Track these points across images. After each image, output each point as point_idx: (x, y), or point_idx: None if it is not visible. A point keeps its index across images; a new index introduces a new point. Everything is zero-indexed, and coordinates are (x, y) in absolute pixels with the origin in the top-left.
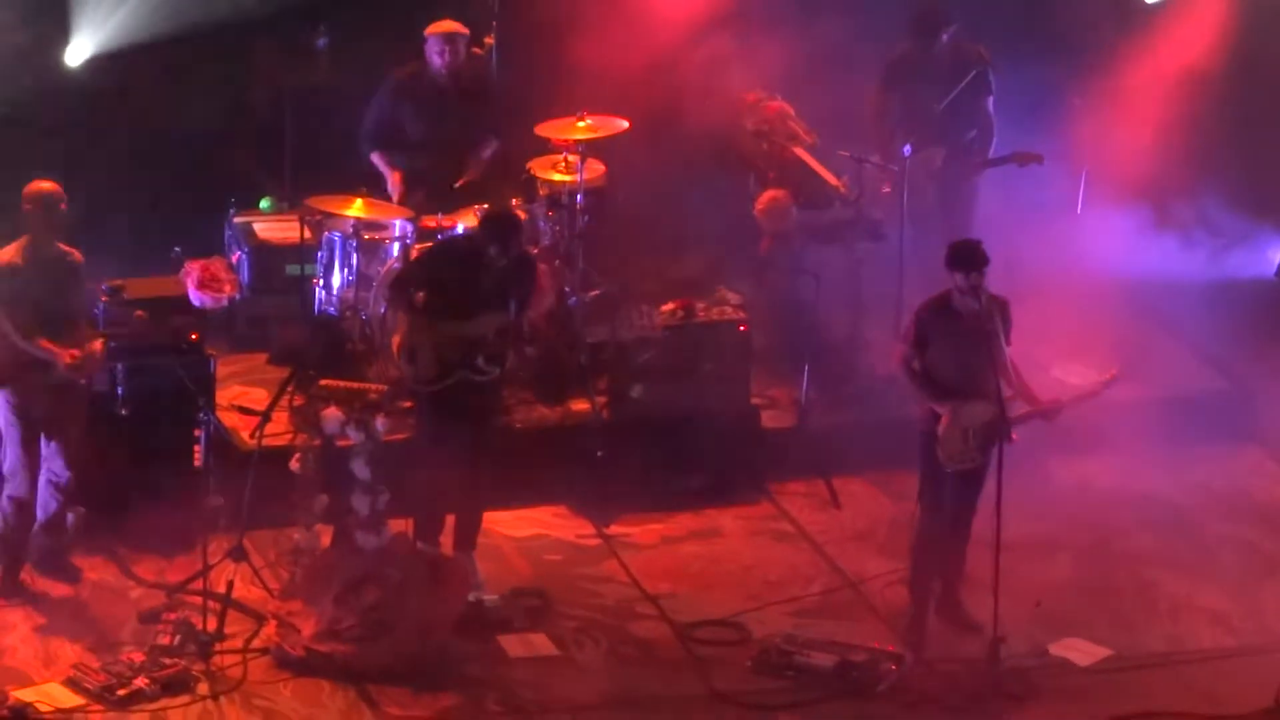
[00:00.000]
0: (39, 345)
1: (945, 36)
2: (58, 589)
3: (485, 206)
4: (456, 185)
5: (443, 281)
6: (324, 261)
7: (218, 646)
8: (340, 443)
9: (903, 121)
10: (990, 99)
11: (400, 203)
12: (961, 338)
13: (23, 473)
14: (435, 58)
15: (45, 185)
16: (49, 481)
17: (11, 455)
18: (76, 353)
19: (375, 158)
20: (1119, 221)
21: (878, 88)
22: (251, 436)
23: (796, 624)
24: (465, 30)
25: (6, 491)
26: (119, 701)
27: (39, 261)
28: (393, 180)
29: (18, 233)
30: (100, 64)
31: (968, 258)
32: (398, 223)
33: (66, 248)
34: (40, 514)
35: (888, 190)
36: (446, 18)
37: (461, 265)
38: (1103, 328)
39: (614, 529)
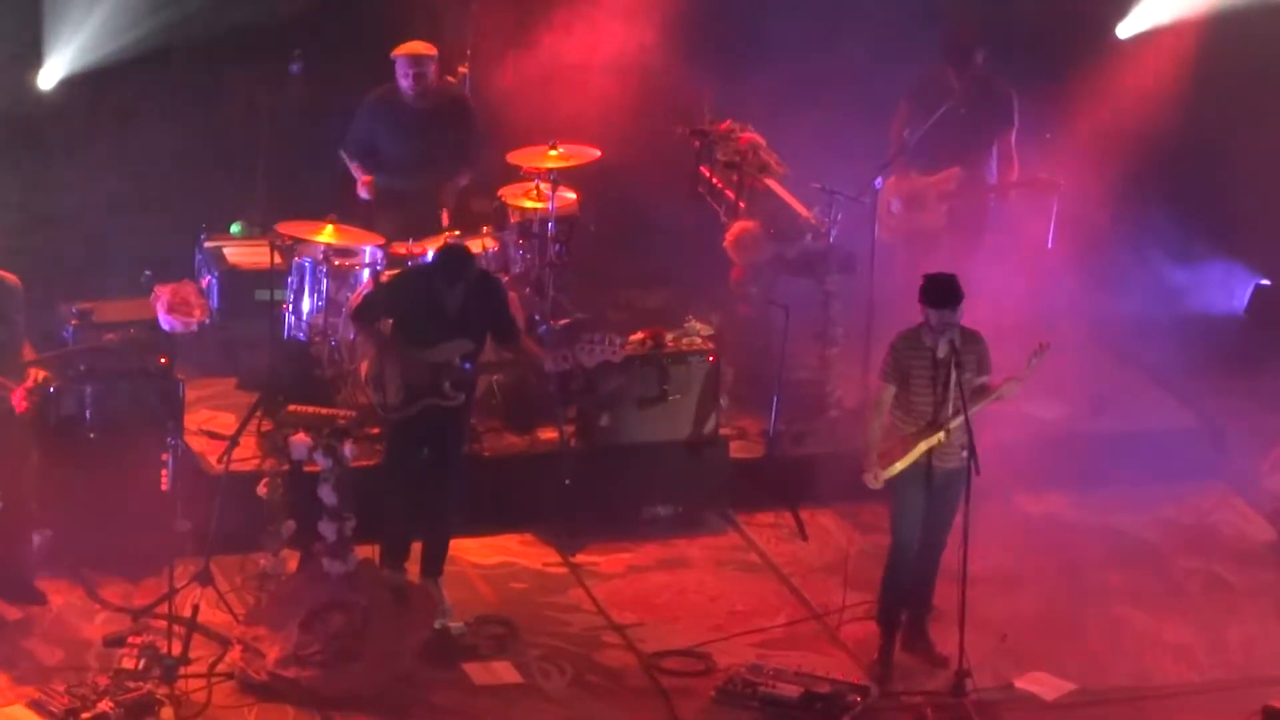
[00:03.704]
0: None
1: (978, 59)
2: (22, 611)
3: (457, 234)
4: (444, 223)
5: (406, 308)
6: (294, 287)
7: (182, 671)
8: (308, 468)
9: (922, 141)
10: (1013, 132)
11: (370, 201)
12: (934, 371)
13: None
14: (402, 80)
15: None
16: None
17: None
18: (25, 388)
19: (351, 164)
20: (1088, 256)
21: (904, 103)
22: (219, 461)
23: (762, 655)
24: (432, 51)
25: None
26: None
27: None
28: (363, 182)
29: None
30: (73, 87)
31: (940, 295)
32: (368, 249)
33: (1, 273)
34: None
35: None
36: (416, 40)
37: (424, 292)
38: (1072, 363)
39: (581, 558)
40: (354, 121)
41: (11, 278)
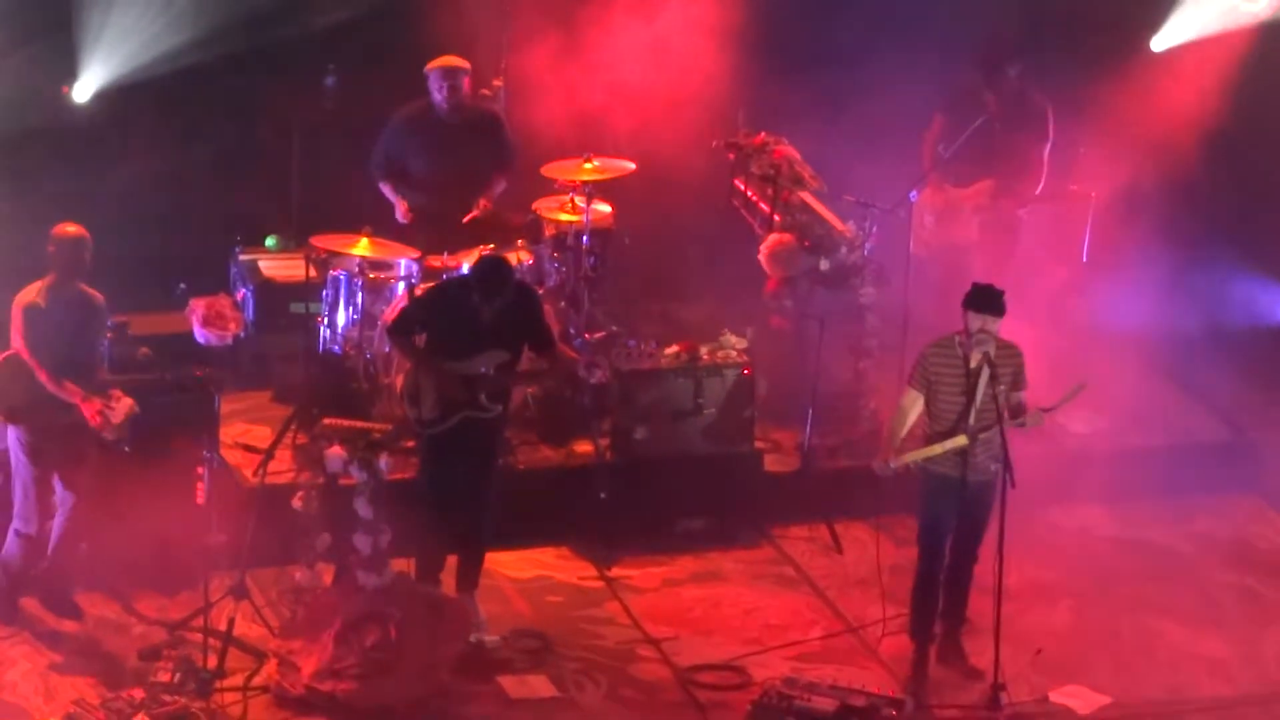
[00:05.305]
0: (66, 388)
1: (1011, 73)
2: (59, 625)
3: (491, 247)
4: (464, 220)
5: (443, 321)
6: (329, 300)
7: (218, 684)
8: (343, 481)
9: (956, 154)
10: (1047, 145)
11: (406, 227)
12: (965, 381)
13: (32, 509)
14: (436, 94)
15: (72, 229)
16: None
17: (21, 492)
18: (101, 405)
19: (384, 188)
20: (1124, 269)
21: (938, 116)
22: (254, 474)
23: (797, 668)
24: (466, 64)
25: (14, 526)
26: None
27: (61, 303)
28: (400, 209)
29: (41, 272)
30: (107, 99)
31: (985, 304)
32: (403, 262)
33: (89, 290)
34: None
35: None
36: (449, 54)
37: (461, 305)
38: (1106, 376)
39: (616, 571)
40: (383, 140)
41: (99, 297)
